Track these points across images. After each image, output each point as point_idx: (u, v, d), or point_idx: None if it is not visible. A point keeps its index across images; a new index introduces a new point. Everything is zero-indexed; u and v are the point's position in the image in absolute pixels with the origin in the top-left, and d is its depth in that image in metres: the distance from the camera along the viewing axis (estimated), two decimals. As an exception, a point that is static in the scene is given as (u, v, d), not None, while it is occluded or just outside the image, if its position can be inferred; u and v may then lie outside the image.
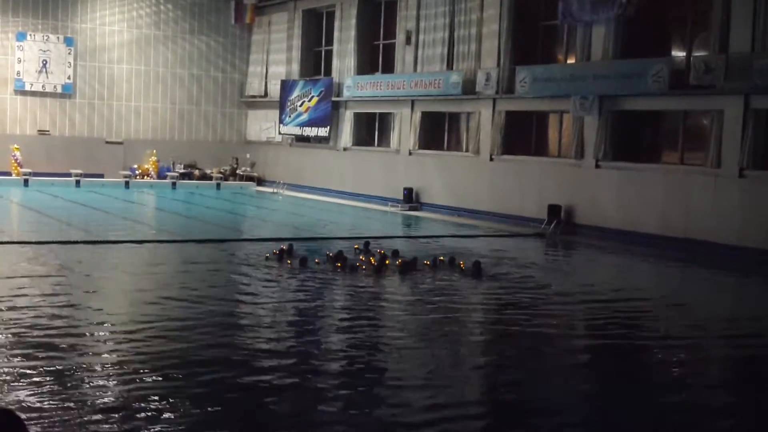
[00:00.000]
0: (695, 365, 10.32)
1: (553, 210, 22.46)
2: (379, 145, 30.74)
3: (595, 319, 12.49)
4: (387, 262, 15.16)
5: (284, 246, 16.29)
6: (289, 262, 15.31)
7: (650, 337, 11.56)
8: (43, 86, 33.17)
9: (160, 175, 33.94)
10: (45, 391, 7.69)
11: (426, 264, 15.64)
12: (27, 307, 11.10)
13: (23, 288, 12.39)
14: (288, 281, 13.91)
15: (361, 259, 15.61)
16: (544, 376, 9.33)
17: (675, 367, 10.08)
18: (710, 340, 11.65)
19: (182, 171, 34.31)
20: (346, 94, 30.90)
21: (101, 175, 32.77)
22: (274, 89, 35.16)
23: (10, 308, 10.96)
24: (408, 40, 28.48)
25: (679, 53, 21.09)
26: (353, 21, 30.92)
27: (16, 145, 32.01)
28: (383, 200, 28.40)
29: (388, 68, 29.92)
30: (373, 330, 10.93)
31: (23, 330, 9.85)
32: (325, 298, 13.03)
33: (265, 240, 18.62)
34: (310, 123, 32.75)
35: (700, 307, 13.96)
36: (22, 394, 7.56)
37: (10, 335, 9.61)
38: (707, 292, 15.71)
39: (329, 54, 33.03)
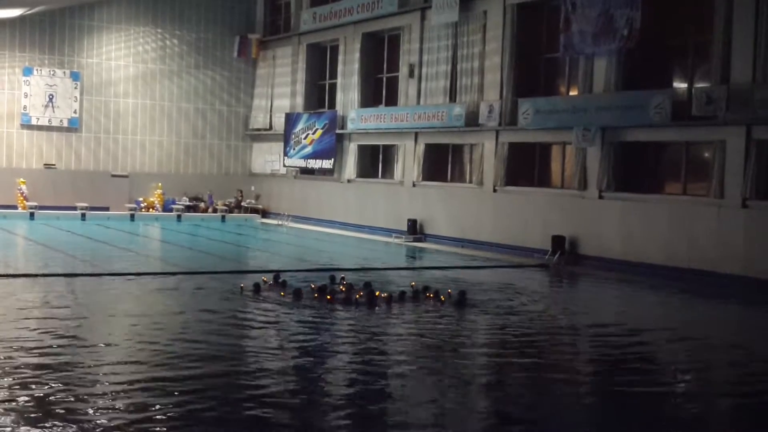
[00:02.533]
0: (712, 401, 10.06)
1: (557, 241, 22.46)
2: (382, 177, 30.85)
3: (605, 353, 12.29)
4: (378, 294, 15.08)
5: (265, 278, 16.43)
6: (282, 293, 15.36)
7: (661, 371, 11.39)
8: (49, 120, 33.43)
9: (166, 208, 34.11)
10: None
11: (429, 296, 15.61)
12: (26, 345, 11.10)
13: (26, 320, 12.42)
14: (277, 314, 13.83)
15: (342, 289, 15.54)
16: (558, 416, 9.03)
17: (689, 404, 9.81)
18: (723, 375, 11.50)
19: (187, 204, 34.45)
20: (350, 126, 31.07)
21: (107, 209, 32.94)
22: (279, 122, 35.39)
23: (10, 348, 10.96)
24: (411, 74, 28.70)
25: (680, 85, 21.19)
26: (357, 55, 31.19)
27: (22, 179, 32.27)
28: (387, 232, 28.45)
29: (392, 101, 30.11)
30: (372, 369, 10.62)
31: (25, 369, 9.86)
32: (318, 334, 12.81)
33: (267, 271, 18.53)
34: (314, 155, 32.91)
35: (709, 340, 13.72)
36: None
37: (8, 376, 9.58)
38: (714, 325, 15.56)
39: (333, 87, 33.28)
